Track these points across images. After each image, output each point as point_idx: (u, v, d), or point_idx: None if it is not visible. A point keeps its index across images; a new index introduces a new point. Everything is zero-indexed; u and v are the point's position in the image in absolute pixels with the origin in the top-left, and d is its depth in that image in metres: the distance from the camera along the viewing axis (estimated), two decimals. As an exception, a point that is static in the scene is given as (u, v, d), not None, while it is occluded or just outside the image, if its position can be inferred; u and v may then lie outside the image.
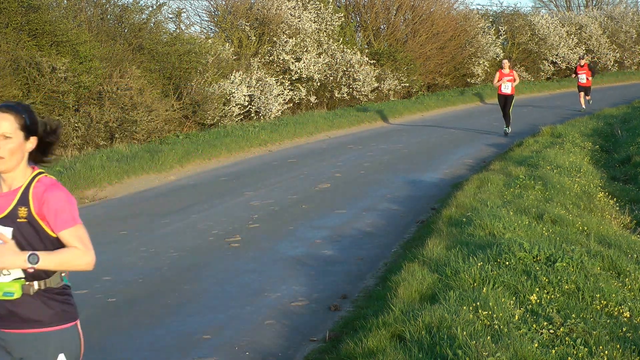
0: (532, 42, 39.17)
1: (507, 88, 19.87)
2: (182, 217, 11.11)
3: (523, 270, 6.74)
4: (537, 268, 6.76)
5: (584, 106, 25.71)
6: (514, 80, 20.10)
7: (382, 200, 12.03)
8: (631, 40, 45.80)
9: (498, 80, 20.15)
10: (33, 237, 3.41)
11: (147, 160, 15.51)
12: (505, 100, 19.98)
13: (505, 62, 20.49)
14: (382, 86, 29.22)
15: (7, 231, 3.38)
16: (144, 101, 18.46)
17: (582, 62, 26.23)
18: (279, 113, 23.87)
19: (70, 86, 16.97)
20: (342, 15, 29.14)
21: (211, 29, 26.68)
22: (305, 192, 12.76)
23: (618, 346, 5.24)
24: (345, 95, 27.50)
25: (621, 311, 6.02)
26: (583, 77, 25.88)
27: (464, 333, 5.29)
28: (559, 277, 6.52)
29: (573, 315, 5.78)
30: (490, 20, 38.65)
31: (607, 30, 44.90)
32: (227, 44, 23.93)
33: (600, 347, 5.21)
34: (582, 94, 26.08)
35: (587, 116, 22.39)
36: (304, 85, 26.14)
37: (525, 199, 9.94)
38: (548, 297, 6.19)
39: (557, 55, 40.27)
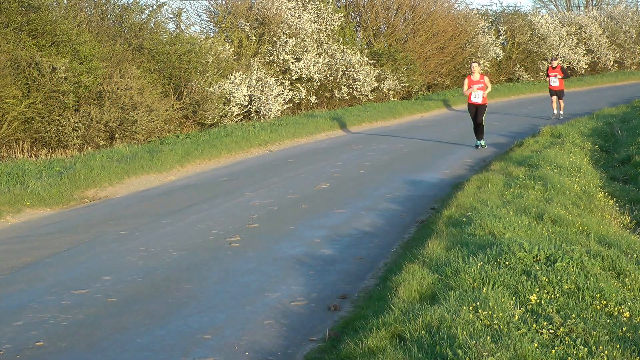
0: (532, 42, 39.20)
1: (477, 97, 17.48)
2: (182, 217, 11.11)
3: (523, 270, 6.74)
4: (537, 268, 6.76)
5: (555, 111, 23.96)
6: (485, 87, 17.55)
7: (381, 200, 12.03)
8: (631, 40, 45.82)
9: (467, 88, 17.66)
10: None
11: (147, 160, 15.52)
12: (476, 110, 17.62)
13: (475, 67, 17.80)
14: (382, 86, 29.23)
15: None
16: (144, 101, 18.47)
17: (555, 63, 24.21)
18: (279, 113, 23.87)
19: (70, 86, 16.97)
20: (342, 15, 29.15)
21: (211, 29, 26.69)
22: (305, 192, 12.76)
23: (618, 346, 5.24)
24: (345, 95, 27.51)
25: (621, 311, 6.02)
26: (555, 80, 23.98)
27: (464, 333, 5.29)
28: (558, 277, 6.52)
29: (573, 315, 5.78)
30: (490, 20, 38.68)
31: (607, 30, 44.93)
32: (227, 44, 23.94)
33: (600, 347, 5.21)
34: (554, 98, 24.06)
35: (586, 116, 22.37)
36: (304, 85, 26.14)
37: (525, 199, 9.94)
38: (548, 297, 6.19)
39: (557, 55, 40.28)
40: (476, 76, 17.60)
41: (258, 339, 6.30)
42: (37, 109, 16.83)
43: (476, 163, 15.60)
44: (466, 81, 17.81)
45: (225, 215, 11.12)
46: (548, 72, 24.28)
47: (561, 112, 23.88)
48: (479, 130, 17.69)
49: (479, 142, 17.75)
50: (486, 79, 17.66)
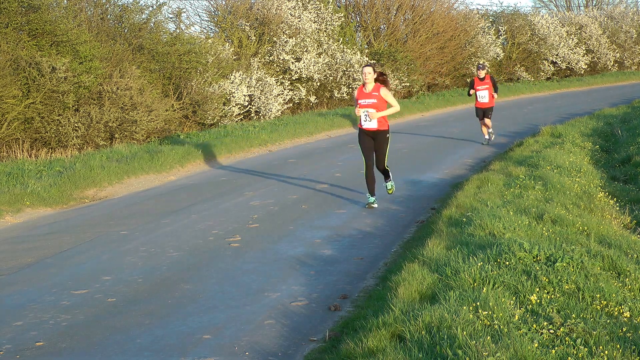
0: (532, 42, 39.23)
1: (369, 121, 11.11)
2: (182, 217, 11.11)
3: (523, 270, 6.73)
4: (537, 268, 6.76)
5: (487, 136, 18.60)
6: (382, 105, 11.10)
7: (381, 200, 12.02)
8: (631, 40, 45.86)
9: (358, 106, 11.23)
10: None
11: (147, 160, 15.52)
12: (372, 139, 11.28)
13: (368, 72, 11.06)
14: (382, 86, 29.23)
15: None
16: (144, 101, 18.48)
17: (482, 73, 18.27)
18: (279, 113, 23.88)
19: (70, 86, 16.98)
20: (342, 15, 29.18)
21: (211, 29, 26.71)
22: (305, 192, 12.75)
23: (618, 346, 5.24)
24: (345, 95, 27.51)
25: (621, 311, 6.02)
26: (484, 94, 18.23)
27: (464, 333, 5.29)
28: (559, 277, 6.52)
29: (573, 315, 5.78)
30: (490, 20, 38.75)
31: (607, 30, 44.97)
32: (227, 44, 23.95)
33: (600, 347, 5.21)
34: (484, 119, 18.52)
35: (586, 116, 22.37)
36: (303, 85, 26.15)
37: (525, 199, 9.94)
38: (548, 297, 6.18)
39: (557, 55, 40.32)
40: (369, 86, 11.16)
41: (258, 339, 6.30)
42: (37, 109, 16.84)
43: (476, 163, 15.60)
44: (355, 93, 11.45)
45: (225, 215, 11.12)
46: (474, 85, 18.45)
47: (491, 130, 18.71)
48: (386, 174, 11.75)
49: (385, 183, 11.89)
50: (383, 91, 11.13)
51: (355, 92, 11.36)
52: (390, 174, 11.77)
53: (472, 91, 18.47)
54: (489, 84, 18.32)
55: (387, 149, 11.32)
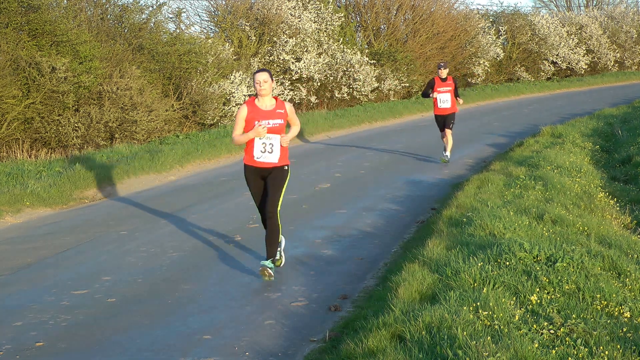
0: (533, 42, 39.23)
1: (269, 153, 7.83)
2: (182, 217, 11.10)
3: (523, 271, 6.73)
4: (538, 268, 6.76)
5: (448, 152, 15.47)
6: (285, 128, 7.97)
7: (382, 200, 12.02)
8: (631, 40, 45.89)
9: (241, 132, 7.89)
10: None
11: (147, 160, 15.51)
12: (265, 182, 8.00)
13: (262, 80, 7.74)
14: (382, 86, 29.25)
15: None
16: (144, 101, 18.48)
17: (444, 72, 15.41)
18: (279, 113, 23.87)
19: (70, 86, 16.98)
20: (342, 15, 29.18)
21: (211, 29, 26.71)
22: (305, 192, 12.75)
23: (618, 346, 5.24)
24: (345, 95, 27.51)
25: (622, 311, 6.02)
26: (447, 98, 15.34)
27: (464, 333, 5.28)
28: (559, 278, 6.52)
29: (573, 316, 5.78)
30: (491, 20, 38.75)
31: (607, 30, 44.98)
32: (227, 44, 23.95)
33: (601, 347, 5.21)
34: (446, 130, 15.47)
35: (586, 116, 22.36)
36: (304, 85, 26.15)
37: (525, 199, 9.94)
38: (548, 297, 6.18)
39: (557, 55, 40.34)
40: (268, 102, 7.89)
41: (258, 340, 6.29)
42: (37, 109, 16.84)
43: (476, 163, 15.59)
44: (243, 111, 7.86)
45: (225, 215, 11.12)
46: (435, 88, 15.43)
47: (447, 154, 15.45)
48: (271, 233, 7.89)
49: (265, 262, 7.82)
50: (289, 107, 8.01)
51: (244, 111, 7.82)
52: (283, 241, 8.25)
53: (433, 93, 15.37)
54: (452, 85, 15.42)
55: (284, 187, 7.94)
